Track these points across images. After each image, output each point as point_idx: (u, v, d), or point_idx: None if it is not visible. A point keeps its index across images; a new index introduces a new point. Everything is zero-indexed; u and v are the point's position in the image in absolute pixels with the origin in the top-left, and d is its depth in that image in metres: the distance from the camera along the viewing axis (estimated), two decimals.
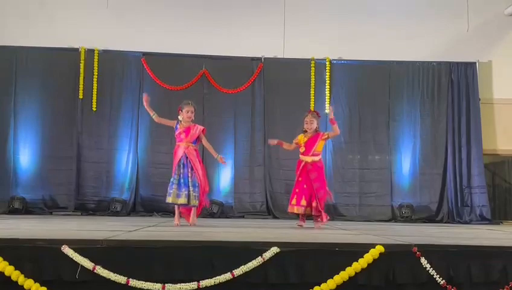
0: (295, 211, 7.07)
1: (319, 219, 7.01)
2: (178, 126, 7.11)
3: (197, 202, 6.86)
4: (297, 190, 7.05)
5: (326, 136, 7.25)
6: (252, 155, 11.52)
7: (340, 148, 11.54)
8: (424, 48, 11.63)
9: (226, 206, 11.20)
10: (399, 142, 11.61)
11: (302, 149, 7.15)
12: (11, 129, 11.12)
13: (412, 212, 11.11)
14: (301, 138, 7.20)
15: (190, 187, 6.82)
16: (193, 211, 6.92)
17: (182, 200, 6.82)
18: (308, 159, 7.06)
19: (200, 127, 7.09)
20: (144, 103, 7.18)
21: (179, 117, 7.10)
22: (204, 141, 7.13)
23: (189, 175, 6.87)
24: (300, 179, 7.08)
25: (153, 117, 7.25)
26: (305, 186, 7.02)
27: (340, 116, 11.60)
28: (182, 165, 6.91)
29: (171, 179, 6.95)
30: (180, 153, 6.97)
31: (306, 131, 7.22)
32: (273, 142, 7.54)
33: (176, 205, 6.93)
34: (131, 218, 9.81)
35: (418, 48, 11.60)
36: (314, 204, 6.94)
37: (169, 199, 6.88)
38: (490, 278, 3.95)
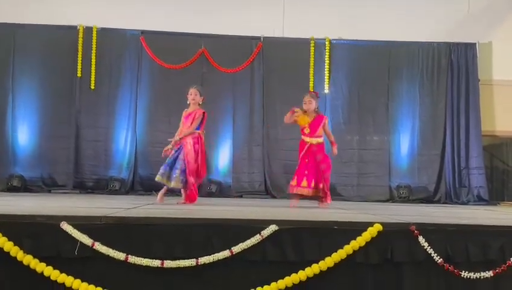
0: (304, 194, 6.98)
1: (323, 200, 7.00)
2: (183, 113, 7.07)
3: (176, 185, 6.74)
4: (306, 172, 6.95)
5: (326, 127, 7.19)
6: (251, 135, 11.52)
7: (339, 129, 11.52)
8: (424, 28, 11.56)
9: (224, 185, 11.22)
10: (398, 123, 11.61)
11: (307, 130, 7.06)
12: (9, 107, 11.08)
13: (409, 193, 11.14)
14: (305, 119, 7.08)
15: (174, 169, 6.72)
16: (164, 189, 6.85)
17: (159, 178, 6.76)
18: (314, 140, 7.01)
19: (200, 112, 6.94)
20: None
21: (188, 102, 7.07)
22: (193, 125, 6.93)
23: (180, 158, 6.76)
24: (307, 160, 7.01)
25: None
26: (311, 168, 6.98)
27: (339, 97, 11.62)
28: (179, 148, 6.85)
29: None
30: (176, 138, 6.92)
31: (305, 111, 7.15)
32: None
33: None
34: (130, 196, 9.83)
35: (418, 29, 11.53)
36: (321, 185, 6.93)
37: (157, 178, 6.81)
38: (488, 257, 3.97)
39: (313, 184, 6.94)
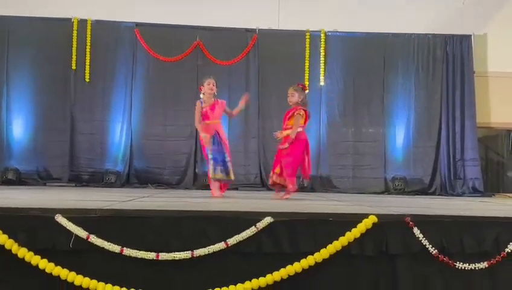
0: (270, 182, 7.17)
1: (281, 190, 6.98)
2: (202, 105, 7.04)
3: (233, 176, 6.98)
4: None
5: (295, 117, 6.85)
6: (246, 127, 11.51)
7: (334, 121, 11.55)
8: (419, 20, 11.57)
9: None
10: (393, 115, 11.62)
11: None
12: (4, 100, 11.06)
13: (405, 185, 11.17)
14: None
15: (228, 163, 6.92)
16: (215, 184, 7.00)
17: (220, 175, 6.89)
18: (284, 133, 6.90)
19: (223, 102, 7.12)
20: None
21: (201, 95, 7.04)
22: (229, 111, 7.29)
23: (225, 151, 6.93)
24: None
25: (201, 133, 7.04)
26: (275, 158, 7.05)
27: (335, 89, 11.62)
28: (216, 143, 6.91)
29: (210, 156, 6.90)
30: (210, 131, 6.92)
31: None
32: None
33: (216, 181, 6.97)
34: (126, 189, 9.82)
35: (414, 21, 11.54)
36: (277, 170, 6.89)
37: (213, 176, 6.88)
38: (482, 248, 3.97)
39: (275, 170, 6.95)
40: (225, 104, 7.19)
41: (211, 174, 6.92)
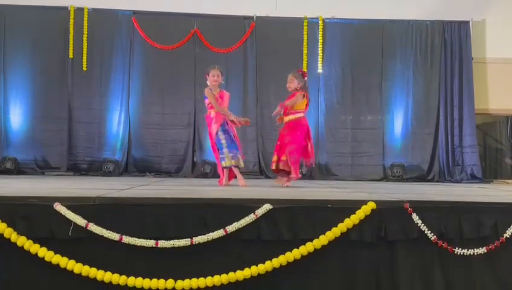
0: (272, 168, 7.11)
1: (289, 175, 6.91)
2: (214, 92, 7.02)
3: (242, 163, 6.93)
4: (274, 149, 7.05)
5: (294, 98, 6.85)
6: (244, 115, 11.36)
7: (333, 108, 11.53)
8: (417, 6, 11.52)
9: None
10: (391, 103, 11.61)
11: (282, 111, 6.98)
12: (1, 90, 11.01)
13: (403, 172, 11.18)
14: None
15: (237, 150, 6.87)
16: (238, 172, 6.94)
17: (235, 162, 6.83)
18: (286, 119, 6.90)
19: (227, 94, 7.12)
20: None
21: (208, 83, 7.01)
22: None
23: (234, 139, 6.91)
24: (278, 139, 7.06)
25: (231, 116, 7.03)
26: (278, 143, 6.98)
27: (333, 77, 11.59)
28: (227, 131, 6.89)
29: (223, 143, 6.84)
30: (221, 119, 6.90)
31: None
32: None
33: (231, 168, 6.91)
34: (124, 178, 9.83)
35: (412, 7, 11.50)
36: (283, 158, 6.84)
37: (230, 162, 6.80)
38: (481, 234, 3.99)
39: (274, 158, 6.94)
40: (229, 96, 7.16)
41: (226, 162, 6.82)
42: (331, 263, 3.91)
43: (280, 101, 7.03)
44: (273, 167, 7.06)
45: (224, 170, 6.93)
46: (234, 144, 6.87)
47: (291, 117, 6.89)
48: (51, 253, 3.64)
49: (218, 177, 10.71)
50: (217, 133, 6.87)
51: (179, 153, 11.31)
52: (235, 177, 6.96)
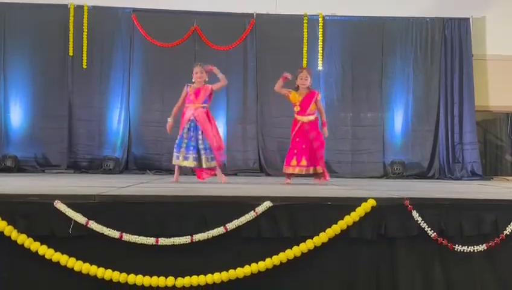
0: (296, 172, 6.90)
1: (321, 177, 6.92)
2: (188, 89, 7.05)
3: (214, 162, 6.88)
4: (295, 151, 6.85)
5: (319, 103, 7.01)
6: (245, 113, 11.49)
7: (333, 106, 11.51)
8: (417, 3, 11.51)
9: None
10: (391, 100, 11.59)
11: (297, 108, 6.90)
12: (1, 87, 10.99)
13: (403, 169, 11.18)
14: (295, 96, 6.94)
15: (201, 151, 6.82)
16: (218, 171, 6.97)
17: (190, 163, 6.83)
18: (305, 118, 6.85)
19: (208, 86, 7.05)
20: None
21: (193, 80, 7.03)
22: (216, 86, 7.12)
23: (200, 138, 6.84)
24: (297, 139, 6.88)
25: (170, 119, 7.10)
26: (304, 146, 6.85)
27: (333, 74, 11.58)
28: (191, 128, 6.87)
29: (177, 141, 6.91)
30: (188, 115, 6.92)
31: (298, 88, 7.00)
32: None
33: (180, 167, 6.94)
34: (124, 175, 9.82)
35: (412, 4, 11.49)
36: (318, 166, 6.84)
37: (176, 161, 6.87)
38: (481, 231, 3.99)
39: (303, 162, 6.81)
40: (210, 88, 7.07)
41: (174, 160, 6.90)
42: (331, 261, 3.92)
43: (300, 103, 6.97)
44: (303, 172, 6.89)
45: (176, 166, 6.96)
46: (194, 143, 6.83)
47: (311, 118, 6.90)
48: (51, 251, 3.64)
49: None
50: (184, 127, 6.92)
51: None
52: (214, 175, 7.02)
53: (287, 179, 6.99)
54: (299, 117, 6.91)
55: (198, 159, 6.84)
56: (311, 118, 6.90)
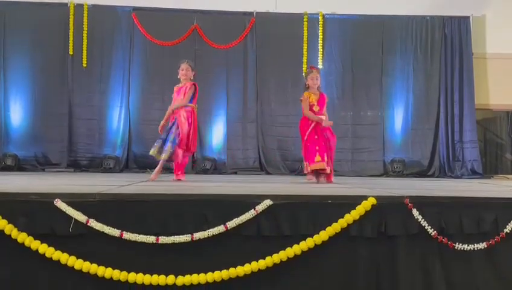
0: (322, 167, 6.74)
1: (329, 176, 6.83)
2: (175, 88, 7.01)
3: (164, 155, 6.66)
4: (317, 147, 6.75)
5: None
6: (245, 111, 11.49)
7: (333, 104, 11.47)
8: (417, 1, 11.53)
9: (218, 162, 11.22)
10: (392, 98, 11.59)
11: (316, 108, 6.83)
12: (2, 86, 11.02)
13: (403, 167, 11.18)
14: (312, 96, 6.87)
15: (168, 143, 6.67)
16: (159, 166, 6.80)
17: (165, 156, 6.69)
18: (323, 117, 6.84)
19: (190, 84, 6.88)
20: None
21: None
22: (186, 97, 6.85)
23: (173, 132, 6.72)
24: (316, 136, 6.80)
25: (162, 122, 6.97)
26: (323, 143, 6.82)
27: (333, 72, 11.58)
28: (169, 123, 6.82)
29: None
30: (174, 113, 6.86)
31: (308, 88, 6.92)
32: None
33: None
34: (124, 174, 9.82)
35: (412, 2, 11.50)
36: (329, 165, 6.78)
37: (151, 152, 6.77)
38: (481, 229, 3.99)
39: (326, 158, 6.75)
40: (189, 85, 6.88)
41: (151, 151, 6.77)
42: (331, 259, 3.92)
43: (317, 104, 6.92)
44: (322, 167, 6.77)
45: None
46: (164, 135, 6.75)
47: (323, 117, 6.86)
48: (52, 249, 3.64)
49: (219, 173, 10.84)
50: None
51: None
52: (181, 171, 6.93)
53: (312, 176, 6.88)
54: (316, 117, 6.82)
55: (160, 150, 6.69)
56: (323, 117, 6.87)
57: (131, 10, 11.34)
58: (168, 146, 6.65)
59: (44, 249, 3.63)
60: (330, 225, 3.82)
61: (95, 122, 11.21)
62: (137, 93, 11.33)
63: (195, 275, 3.70)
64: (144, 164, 11.06)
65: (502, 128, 12.29)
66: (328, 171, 6.82)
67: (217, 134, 11.36)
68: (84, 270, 3.64)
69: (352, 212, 3.85)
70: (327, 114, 7.04)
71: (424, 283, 3.96)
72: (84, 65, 11.13)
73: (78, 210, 3.67)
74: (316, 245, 3.81)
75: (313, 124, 6.85)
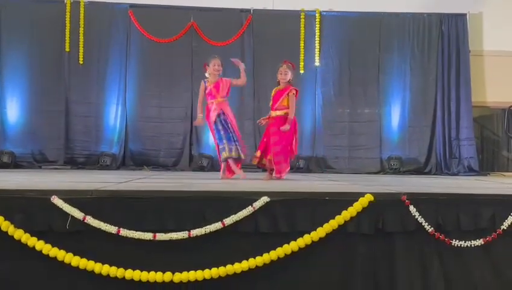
0: (253, 162, 7.05)
1: (271, 172, 6.85)
2: (206, 84, 6.96)
3: (243, 154, 6.85)
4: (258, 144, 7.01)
5: (290, 99, 6.76)
6: (242, 109, 11.45)
7: (330, 101, 11.52)
8: None
9: (215, 160, 11.13)
10: (389, 95, 11.59)
11: (270, 103, 6.93)
12: None
13: (400, 165, 11.19)
14: (273, 91, 6.95)
15: (235, 142, 6.78)
16: (233, 164, 6.87)
17: (234, 154, 6.76)
18: (273, 113, 6.82)
19: (228, 80, 7.01)
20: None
21: (206, 74, 6.97)
22: (236, 81, 7.12)
23: (233, 130, 6.82)
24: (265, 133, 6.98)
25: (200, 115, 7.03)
26: (265, 139, 6.91)
27: (330, 70, 11.58)
28: (223, 122, 6.82)
29: (217, 136, 6.85)
30: (214, 110, 6.84)
31: (279, 83, 6.91)
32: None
33: (228, 160, 6.84)
34: (121, 171, 9.82)
35: None
36: (269, 157, 6.79)
37: (225, 155, 6.77)
38: (478, 226, 4.00)
39: (257, 153, 6.89)
40: (230, 81, 7.04)
41: (225, 154, 6.78)
42: (329, 255, 3.92)
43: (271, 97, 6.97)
44: (255, 162, 6.99)
45: (223, 162, 6.89)
46: (230, 134, 6.80)
47: (278, 113, 6.80)
48: (49, 246, 3.63)
49: (216, 170, 10.80)
50: (215, 123, 6.83)
51: (176, 146, 11.29)
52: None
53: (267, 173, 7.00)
54: (271, 112, 6.88)
55: (237, 150, 6.80)
56: (279, 112, 6.80)
57: (127, 7, 11.31)
58: (237, 144, 6.79)
59: (41, 246, 3.63)
60: (327, 222, 3.82)
61: (91, 120, 11.18)
62: (134, 90, 11.30)
63: (192, 272, 3.70)
64: (141, 161, 11.09)
65: (498, 126, 12.29)
66: (268, 166, 6.83)
67: None
68: (81, 267, 3.63)
69: (350, 208, 3.85)
70: (291, 107, 6.78)
71: (422, 279, 3.97)
72: (81, 62, 11.10)
73: (75, 207, 3.66)
74: (313, 242, 3.81)
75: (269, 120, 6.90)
